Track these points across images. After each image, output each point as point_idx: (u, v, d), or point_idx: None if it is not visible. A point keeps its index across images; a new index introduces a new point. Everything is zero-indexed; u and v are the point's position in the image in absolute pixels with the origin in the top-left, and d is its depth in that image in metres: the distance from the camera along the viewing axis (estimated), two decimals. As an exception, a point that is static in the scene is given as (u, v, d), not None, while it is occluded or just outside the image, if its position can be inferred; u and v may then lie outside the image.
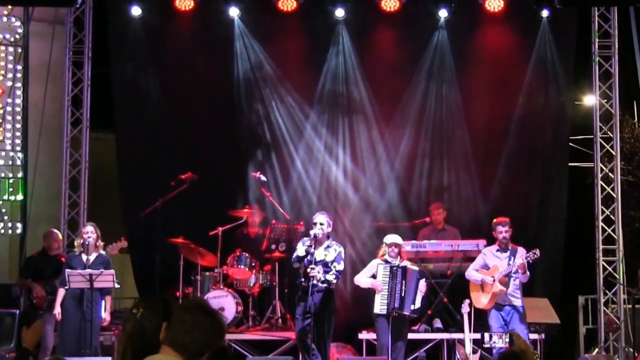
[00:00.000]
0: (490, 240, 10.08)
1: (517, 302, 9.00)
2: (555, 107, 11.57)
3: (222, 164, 11.62)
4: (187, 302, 3.22)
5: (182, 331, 2.96)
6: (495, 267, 9.04)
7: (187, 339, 2.96)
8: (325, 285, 8.52)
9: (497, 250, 9.16)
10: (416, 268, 8.97)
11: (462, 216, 11.47)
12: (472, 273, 9.27)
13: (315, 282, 8.42)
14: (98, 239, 8.98)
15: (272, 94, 11.74)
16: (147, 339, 3.12)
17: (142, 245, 11.17)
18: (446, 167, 11.67)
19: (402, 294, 8.67)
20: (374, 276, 8.87)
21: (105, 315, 8.95)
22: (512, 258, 8.97)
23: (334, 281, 8.63)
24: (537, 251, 8.81)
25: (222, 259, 10.41)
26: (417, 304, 8.89)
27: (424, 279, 9.02)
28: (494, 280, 8.93)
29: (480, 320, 9.43)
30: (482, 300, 9.10)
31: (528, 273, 8.95)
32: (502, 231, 9.12)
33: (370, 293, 8.97)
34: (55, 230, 9.96)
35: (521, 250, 9.02)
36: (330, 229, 8.73)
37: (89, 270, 8.64)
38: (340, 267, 8.68)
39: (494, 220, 9.31)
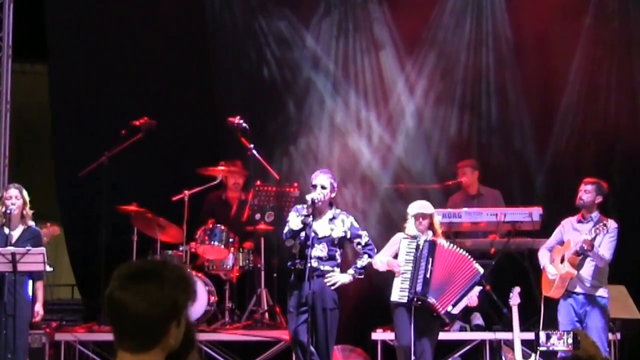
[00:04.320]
0: (549, 208, 10.12)
1: (595, 291, 8.79)
2: (638, 30, 11.32)
3: (189, 106, 11.47)
4: (120, 268, 2.92)
5: (130, 319, 2.82)
6: (568, 242, 8.81)
7: (142, 325, 2.82)
8: (331, 268, 8.32)
9: (579, 222, 8.92)
10: (481, 270, 8.62)
11: (510, 178, 11.23)
12: (541, 253, 9.05)
13: (315, 264, 8.22)
14: (25, 206, 8.71)
15: (258, 11, 11.61)
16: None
17: (82, 214, 11.05)
18: (486, 109, 11.49)
19: (428, 275, 8.39)
20: (396, 257, 8.54)
21: (37, 307, 8.74)
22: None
23: (371, 260, 8.49)
24: (609, 222, 8.53)
25: (189, 232, 10.22)
26: (457, 310, 8.51)
27: (480, 287, 8.65)
28: (556, 275, 8.72)
29: (536, 315, 9.14)
30: (550, 286, 8.90)
31: (603, 254, 8.63)
32: (581, 190, 8.86)
33: (389, 278, 8.62)
34: None
35: (612, 224, 8.72)
36: (334, 194, 8.46)
37: (10, 249, 8.40)
38: (367, 237, 8.56)
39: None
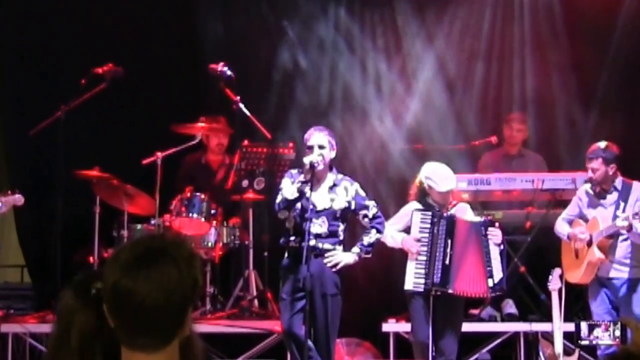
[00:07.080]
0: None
1: (633, 274, 8.86)
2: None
3: (163, 50, 11.47)
4: (120, 252, 2.88)
5: (144, 313, 2.77)
6: (595, 220, 8.76)
7: (137, 319, 2.77)
8: (332, 246, 8.27)
9: (600, 193, 8.95)
10: (477, 218, 8.50)
11: (547, 138, 11.31)
12: (560, 226, 9.06)
13: (313, 241, 8.17)
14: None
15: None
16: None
17: (33, 181, 11.11)
18: (523, 56, 11.54)
19: (447, 262, 8.33)
20: (408, 230, 8.45)
21: None
22: (623, 204, 8.73)
23: (380, 236, 8.42)
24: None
25: (162, 203, 10.24)
26: (497, 275, 8.36)
27: (492, 227, 8.50)
28: (590, 241, 8.69)
29: (581, 302, 9.37)
30: (575, 271, 8.91)
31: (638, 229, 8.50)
32: (588, 168, 8.80)
33: (404, 258, 8.54)
34: None
35: (638, 188, 8.78)
36: (333, 153, 8.39)
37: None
38: (375, 208, 8.42)
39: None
